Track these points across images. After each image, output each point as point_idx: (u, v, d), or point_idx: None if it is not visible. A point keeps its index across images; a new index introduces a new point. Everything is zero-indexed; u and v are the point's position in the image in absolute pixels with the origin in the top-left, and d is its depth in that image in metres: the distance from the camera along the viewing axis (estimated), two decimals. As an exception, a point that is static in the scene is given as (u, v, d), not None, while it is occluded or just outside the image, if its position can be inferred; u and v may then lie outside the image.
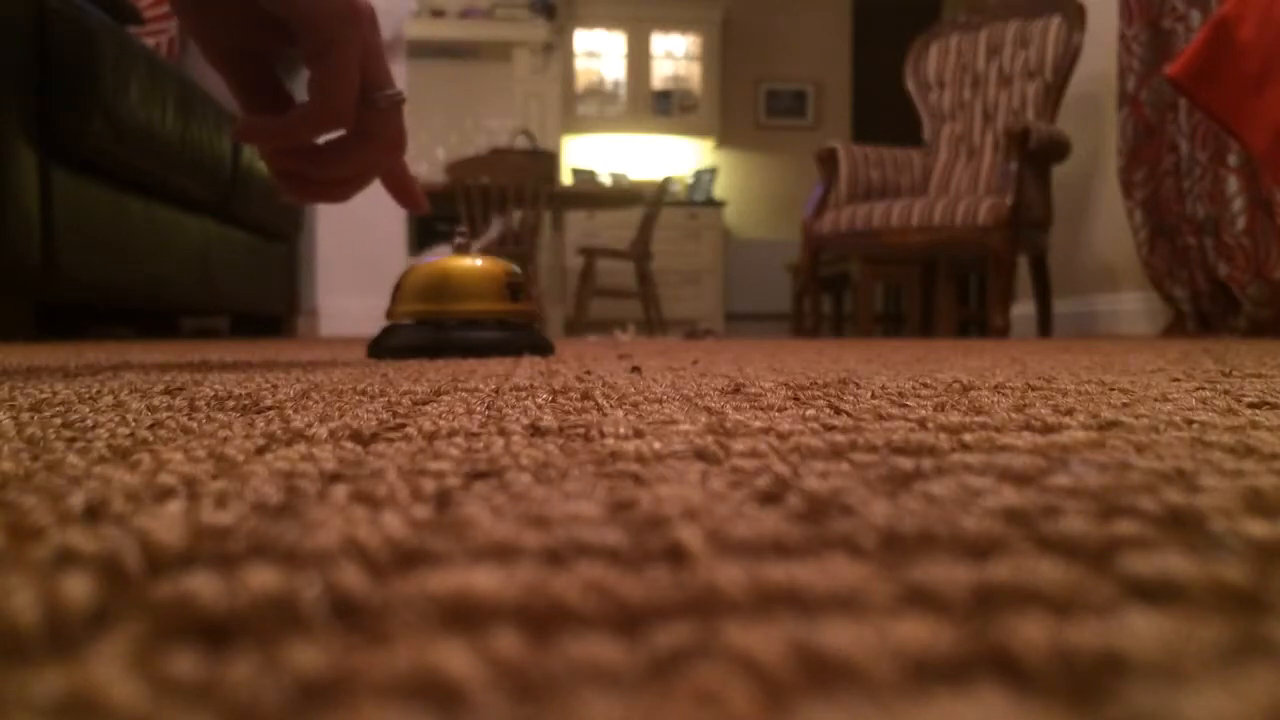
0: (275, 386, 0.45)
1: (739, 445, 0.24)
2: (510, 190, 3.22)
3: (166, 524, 0.15)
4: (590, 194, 4.15)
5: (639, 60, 5.67)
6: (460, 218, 3.26)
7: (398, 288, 0.90)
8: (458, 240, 0.93)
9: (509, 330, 0.90)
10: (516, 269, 0.93)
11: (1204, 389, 0.43)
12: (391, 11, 3.11)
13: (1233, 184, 2.16)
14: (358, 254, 3.15)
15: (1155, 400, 0.37)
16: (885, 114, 5.29)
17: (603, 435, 0.26)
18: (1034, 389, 0.43)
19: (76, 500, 0.17)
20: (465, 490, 0.19)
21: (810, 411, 0.32)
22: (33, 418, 0.31)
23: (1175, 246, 2.40)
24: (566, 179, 5.26)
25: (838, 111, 5.86)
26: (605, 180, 5.37)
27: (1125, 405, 0.35)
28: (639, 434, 0.26)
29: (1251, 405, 0.35)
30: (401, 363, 0.74)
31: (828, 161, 2.87)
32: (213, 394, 0.41)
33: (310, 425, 0.29)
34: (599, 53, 5.71)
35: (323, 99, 0.55)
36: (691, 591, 0.12)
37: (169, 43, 2.25)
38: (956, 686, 0.09)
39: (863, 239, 2.69)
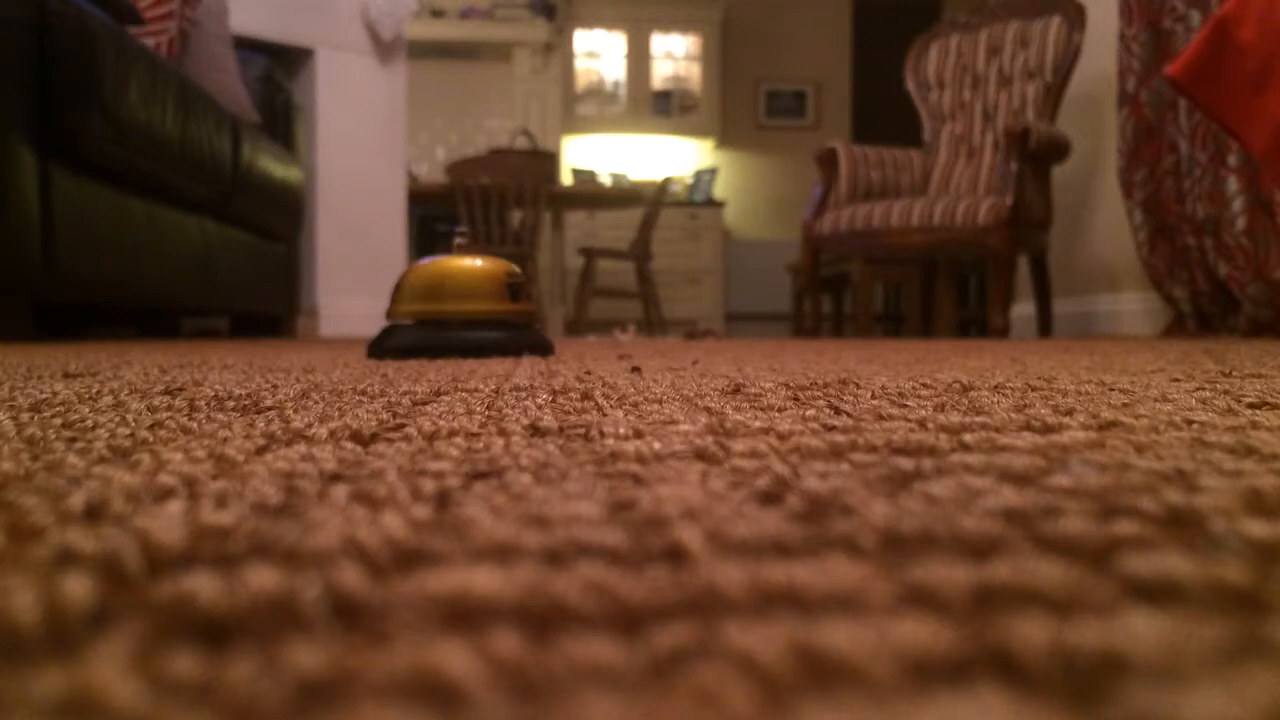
0: (275, 386, 0.45)
1: (739, 445, 0.24)
2: (510, 190, 3.22)
3: (166, 524, 0.15)
4: (590, 194, 4.15)
5: (639, 60, 5.67)
6: (460, 218, 3.26)
7: (398, 288, 0.90)
8: (457, 240, 0.93)
9: (509, 330, 0.90)
10: (516, 269, 0.93)
11: (1204, 389, 0.43)
12: (392, 12, 3.10)
13: (1233, 184, 2.16)
14: (358, 254, 3.15)
15: (1155, 400, 0.37)
16: (885, 114, 5.29)
17: (603, 435, 0.26)
18: (1034, 389, 0.43)
19: (76, 500, 0.17)
20: (465, 490, 0.19)
21: (810, 412, 0.32)
22: (33, 418, 0.31)
23: (1175, 246, 2.40)
24: (566, 179, 5.26)
25: (838, 111, 5.86)
26: (605, 180, 5.36)
27: (1125, 405, 0.35)
28: (639, 434, 0.26)
29: (1251, 405, 0.35)
30: (401, 363, 0.74)
31: (828, 162, 2.87)
32: (213, 394, 0.41)
33: (310, 425, 0.29)
34: (599, 53, 5.71)
35: None
36: (691, 591, 0.12)
37: (169, 43, 2.25)
38: (956, 686, 0.09)
39: (863, 239, 2.69)
